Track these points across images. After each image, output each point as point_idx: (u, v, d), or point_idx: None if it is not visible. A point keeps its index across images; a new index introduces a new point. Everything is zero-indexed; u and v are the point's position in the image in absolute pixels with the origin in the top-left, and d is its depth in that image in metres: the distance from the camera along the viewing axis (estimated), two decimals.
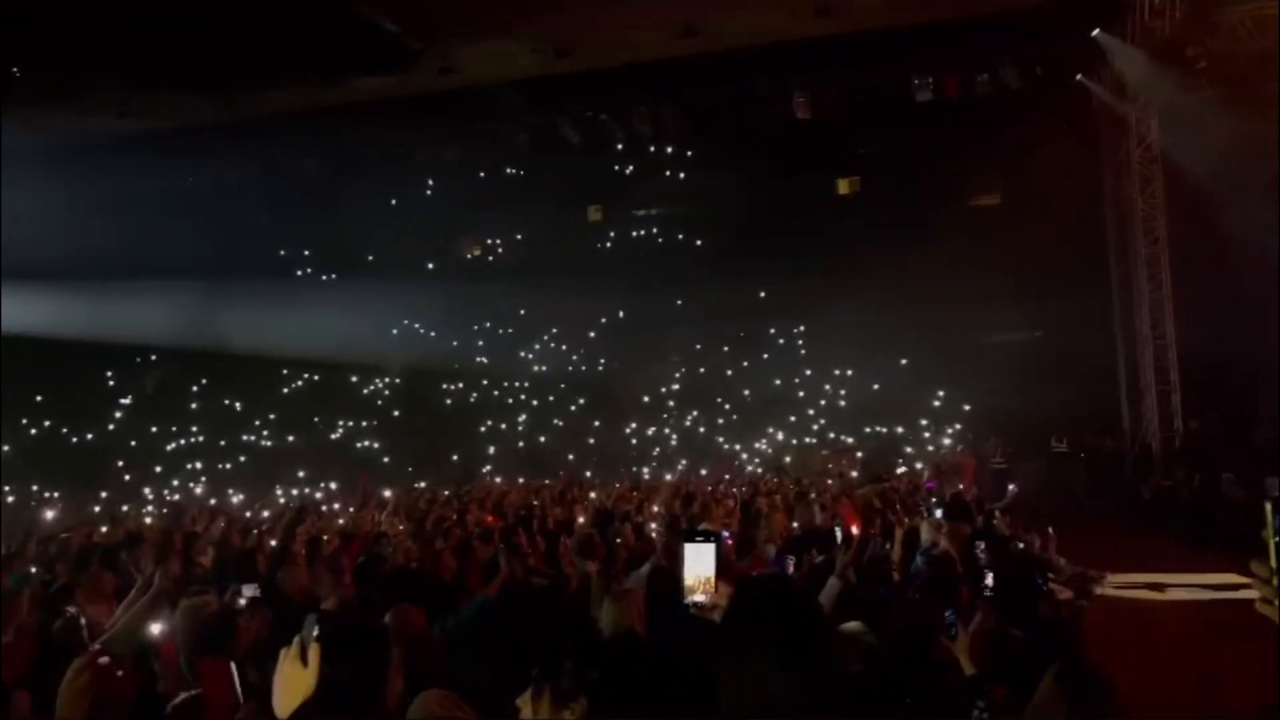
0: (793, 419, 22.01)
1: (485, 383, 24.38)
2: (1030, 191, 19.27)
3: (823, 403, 21.93)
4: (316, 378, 24.45)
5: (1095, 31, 16.09)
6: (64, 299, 18.67)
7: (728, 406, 22.65)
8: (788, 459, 19.40)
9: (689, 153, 21.44)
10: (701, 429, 22.92)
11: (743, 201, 21.81)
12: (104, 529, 11.33)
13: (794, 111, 18.13)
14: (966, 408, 19.94)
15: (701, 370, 22.82)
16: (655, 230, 24.59)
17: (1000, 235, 19.43)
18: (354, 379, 24.51)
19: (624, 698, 2.15)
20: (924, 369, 19.89)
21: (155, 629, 4.18)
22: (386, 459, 22.19)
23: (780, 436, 21.73)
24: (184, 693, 3.07)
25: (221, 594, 5.30)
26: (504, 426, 23.63)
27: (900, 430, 20.62)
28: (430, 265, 24.55)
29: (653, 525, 9.08)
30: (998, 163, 19.95)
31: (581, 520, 9.63)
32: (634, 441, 22.71)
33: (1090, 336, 19.47)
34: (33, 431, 22.37)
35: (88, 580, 6.18)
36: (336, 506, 14.40)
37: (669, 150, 21.24)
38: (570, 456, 21.44)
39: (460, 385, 24.46)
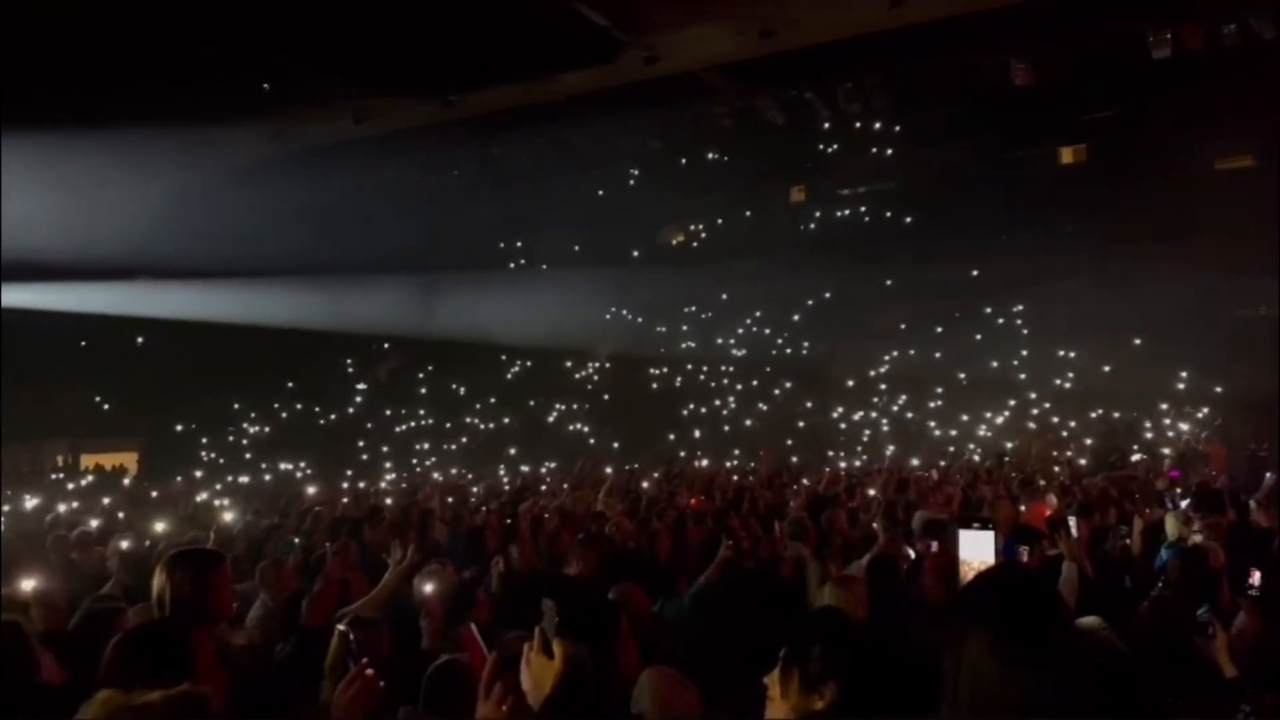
0: (1012, 402, 20.86)
1: (690, 367, 24.63)
2: None
3: (1048, 385, 20.60)
4: (531, 363, 25.55)
5: None
6: (310, 294, 20.39)
7: (940, 390, 21.73)
8: (1009, 444, 18.36)
9: (897, 128, 20.66)
10: (912, 413, 22.16)
11: (955, 176, 20.87)
12: (349, 503, 12.32)
13: (1012, 79, 17.04)
14: (1217, 389, 18.08)
15: (911, 352, 21.99)
16: (862, 209, 23.95)
17: (1253, 199, 17.58)
18: (566, 364, 25.42)
19: (864, 687, 2.11)
20: (1163, 348, 18.22)
21: (427, 590, 4.54)
22: (597, 441, 22.87)
23: (998, 421, 20.65)
24: (444, 655, 3.34)
25: (456, 567, 5.69)
26: (710, 410, 23.78)
27: (1135, 415, 19.04)
28: (636, 253, 25.08)
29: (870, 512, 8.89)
30: (1248, 121, 18.04)
31: (793, 504, 9.58)
32: (842, 426, 22.28)
33: None
34: (285, 415, 24.70)
35: (337, 550, 6.74)
36: (546, 486, 14.96)
37: (876, 126, 20.50)
38: (777, 440, 21.28)
39: (666, 369, 24.84)
